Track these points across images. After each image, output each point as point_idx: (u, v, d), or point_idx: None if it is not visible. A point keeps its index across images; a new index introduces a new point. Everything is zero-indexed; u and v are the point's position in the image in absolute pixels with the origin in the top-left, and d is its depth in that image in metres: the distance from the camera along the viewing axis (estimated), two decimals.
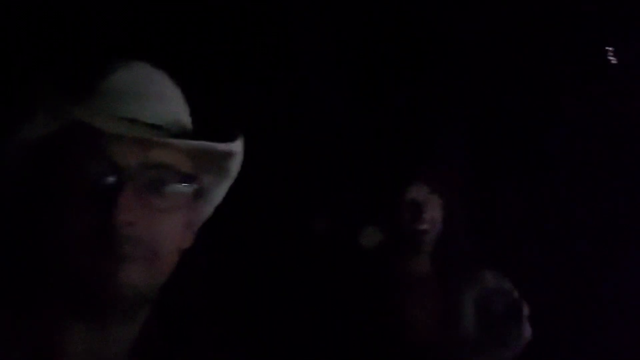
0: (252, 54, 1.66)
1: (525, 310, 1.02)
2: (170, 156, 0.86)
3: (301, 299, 1.58)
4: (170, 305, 0.92)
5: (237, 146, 0.91)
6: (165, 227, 0.85)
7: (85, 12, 1.50)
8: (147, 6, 1.57)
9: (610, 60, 1.68)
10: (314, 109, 1.69)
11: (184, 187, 0.87)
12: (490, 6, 1.70)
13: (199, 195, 0.90)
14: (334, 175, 1.67)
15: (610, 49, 1.68)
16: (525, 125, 1.74)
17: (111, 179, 0.82)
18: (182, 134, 0.88)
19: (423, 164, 1.70)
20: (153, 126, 0.86)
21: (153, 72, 0.91)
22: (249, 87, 1.65)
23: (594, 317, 1.64)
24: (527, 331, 1.05)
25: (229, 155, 0.91)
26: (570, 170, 1.69)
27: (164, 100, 0.90)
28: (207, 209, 0.98)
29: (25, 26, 1.48)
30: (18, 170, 0.86)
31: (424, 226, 1.72)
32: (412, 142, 1.68)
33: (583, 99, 1.69)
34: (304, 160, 1.65)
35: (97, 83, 0.86)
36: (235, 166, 0.95)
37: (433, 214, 1.72)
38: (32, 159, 0.85)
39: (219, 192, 0.98)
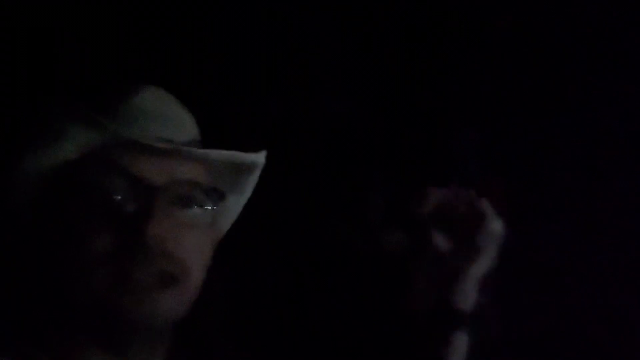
0: (263, 66, 1.66)
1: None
2: (196, 172, 0.88)
3: (319, 303, 1.58)
4: (191, 326, 0.92)
5: (261, 157, 0.93)
6: (194, 244, 0.86)
7: (107, 35, 1.51)
8: (157, 22, 1.59)
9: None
10: (328, 111, 1.70)
11: (209, 204, 0.88)
12: (505, 7, 1.70)
13: (219, 213, 0.92)
14: (352, 180, 1.68)
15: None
16: (544, 127, 1.74)
17: (141, 195, 0.83)
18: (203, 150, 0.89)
19: (439, 167, 1.70)
20: (179, 143, 0.87)
21: (166, 95, 0.92)
22: (263, 99, 1.66)
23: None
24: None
25: (252, 167, 0.94)
26: (588, 170, 1.70)
27: (182, 123, 0.91)
28: (225, 226, 1.00)
29: (46, 50, 1.50)
30: (44, 191, 0.87)
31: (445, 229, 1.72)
32: (428, 145, 1.68)
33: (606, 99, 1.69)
34: (322, 165, 1.66)
35: (121, 104, 0.87)
36: (254, 182, 0.97)
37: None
38: (60, 179, 0.86)
39: (237, 209, 1.00)
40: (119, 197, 0.83)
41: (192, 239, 0.86)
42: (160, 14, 1.61)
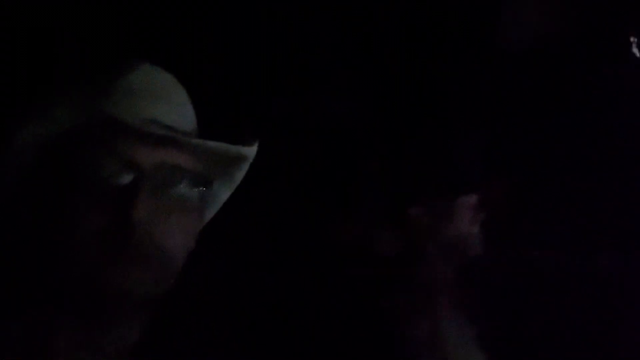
0: (264, 59, 1.67)
1: None
2: (185, 158, 0.88)
3: (313, 305, 1.58)
4: (173, 306, 0.93)
5: (252, 151, 0.94)
6: (177, 228, 0.87)
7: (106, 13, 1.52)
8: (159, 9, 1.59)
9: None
10: (328, 111, 1.70)
11: (195, 190, 0.88)
12: (505, 8, 1.70)
13: (205, 199, 0.92)
14: (351, 180, 1.67)
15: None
16: (549, 129, 1.74)
17: (128, 177, 0.83)
18: (195, 137, 0.90)
19: (441, 169, 1.70)
20: (169, 128, 0.87)
21: (165, 75, 0.92)
22: (262, 92, 1.66)
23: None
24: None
25: (242, 159, 0.94)
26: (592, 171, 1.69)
27: (177, 103, 0.91)
28: (210, 212, 1.00)
29: (44, 24, 1.50)
30: (32, 167, 0.87)
31: (445, 232, 1.72)
32: (428, 145, 1.68)
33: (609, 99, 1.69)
34: (320, 165, 1.66)
35: (113, 82, 0.87)
36: (243, 172, 0.97)
37: (452, 219, 1.71)
38: (48, 155, 0.86)
39: (223, 197, 1.00)
40: (105, 177, 0.83)
41: (176, 223, 0.87)
42: (160, 13, 1.62)
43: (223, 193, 0.99)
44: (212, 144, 0.88)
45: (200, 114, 0.98)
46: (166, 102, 0.89)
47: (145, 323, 0.90)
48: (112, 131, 0.83)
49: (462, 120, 1.70)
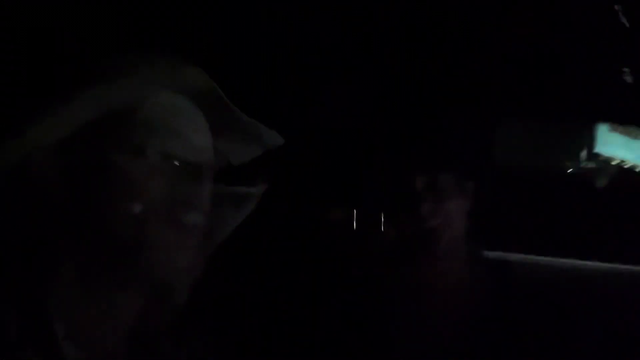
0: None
1: None
2: (197, 193, 0.88)
3: (312, 298, 1.58)
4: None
5: (259, 190, 0.94)
6: (184, 257, 0.87)
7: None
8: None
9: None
10: (329, 111, 1.70)
11: (204, 219, 0.88)
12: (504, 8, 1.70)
13: (214, 226, 0.91)
14: (352, 180, 1.68)
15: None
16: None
17: (136, 208, 0.83)
18: (210, 171, 0.90)
19: (437, 161, 1.70)
20: (184, 162, 0.87)
21: (187, 105, 0.91)
22: (263, 92, 1.66)
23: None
24: None
25: (251, 196, 0.94)
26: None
27: (196, 136, 0.90)
28: (220, 237, 1.01)
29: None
30: (43, 183, 0.87)
31: (440, 223, 1.72)
32: (429, 147, 1.68)
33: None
34: (320, 164, 1.66)
35: (133, 113, 0.86)
36: (253, 202, 0.98)
37: (452, 218, 1.71)
38: (59, 175, 0.86)
39: (234, 222, 1.00)
40: (115, 204, 0.83)
41: (183, 252, 0.86)
42: (160, 14, 1.62)
43: (233, 219, 0.99)
44: (221, 188, 0.89)
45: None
46: (183, 134, 0.88)
47: (153, 350, 0.90)
48: (125, 161, 0.83)
49: (462, 120, 1.70)
